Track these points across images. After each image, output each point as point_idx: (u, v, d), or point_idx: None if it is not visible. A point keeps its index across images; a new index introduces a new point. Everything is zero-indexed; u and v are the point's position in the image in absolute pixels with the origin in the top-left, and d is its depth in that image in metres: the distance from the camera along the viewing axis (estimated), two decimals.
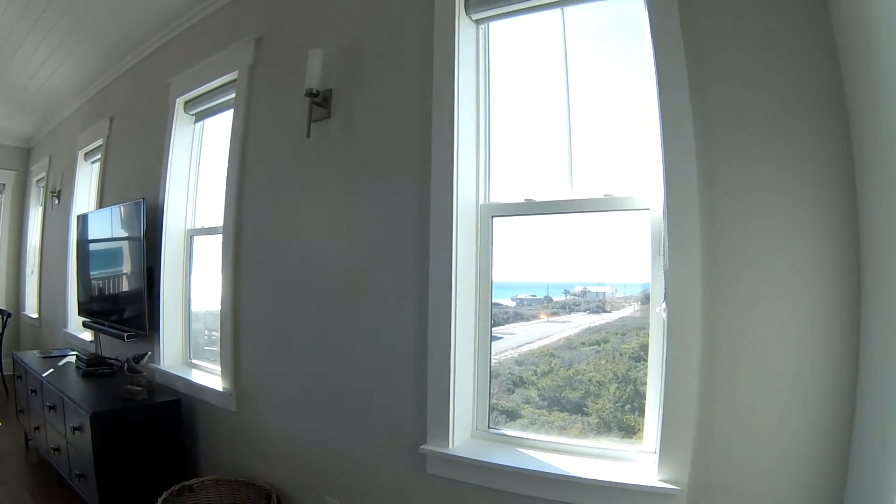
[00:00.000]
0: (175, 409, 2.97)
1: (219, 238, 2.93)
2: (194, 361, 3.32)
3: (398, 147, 2.10)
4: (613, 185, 1.80)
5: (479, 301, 2.01)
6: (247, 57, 2.88)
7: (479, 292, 2.01)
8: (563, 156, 1.92)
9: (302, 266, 2.45)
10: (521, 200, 1.96)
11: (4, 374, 5.78)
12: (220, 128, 3.29)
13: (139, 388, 2.89)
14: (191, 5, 3.36)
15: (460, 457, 1.84)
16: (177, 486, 2.48)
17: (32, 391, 3.59)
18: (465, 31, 1.99)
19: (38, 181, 6.47)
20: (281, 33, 2.73)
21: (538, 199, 1.94)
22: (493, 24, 2.08)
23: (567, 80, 1.94)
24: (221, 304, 2.80)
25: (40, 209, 6.20)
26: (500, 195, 2.04)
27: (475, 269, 2.00)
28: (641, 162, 1.74)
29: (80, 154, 4.90)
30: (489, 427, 2.00)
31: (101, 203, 4.18)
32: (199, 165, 3.47)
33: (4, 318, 5.73)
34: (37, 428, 3.59)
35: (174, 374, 3.14)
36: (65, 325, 4.80)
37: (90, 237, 4.04)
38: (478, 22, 2.05)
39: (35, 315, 5.96)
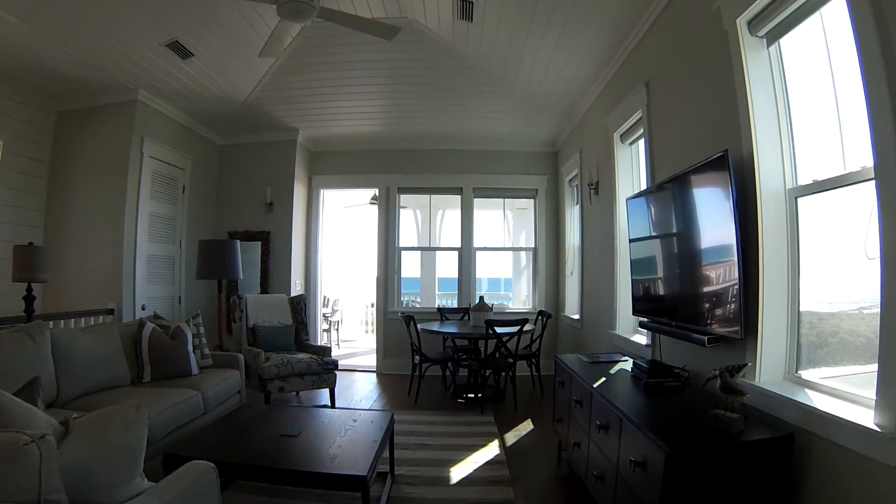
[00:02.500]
0: (783, 449, 2.24)
1: (843, 193, 2.11)
2: (803, 376, 2.52)
3: None
4: None
5: None
6: None
7: None
8: None
9: None
10: None
11: (542, 374, 6.27)
12: (809, 37, 2.47)
13: (734, 417, 2.26)
14: None
15: None
16: None
17: (577, 402, 3.44)
18: None
19: (570, 181, 6.98)
20: None
21: None
22: None
23: None
24: (884, 294, 1.90)
25: (576, 208, 6.63)
26: None
27: None
28: None
29: (616, 137, 4.85)
30: None
31: (654, 181, 3.88)
32: (789, 99, 2.69)
33: (544, 319, 6.23)
34: (577, 444, 3.46)
35: (779, 396, 2.41)
36: (611, 326, 4.78)
37: (646, 222, 3.75)
38: None
39: (576, 316, 6.34)
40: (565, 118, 6.59)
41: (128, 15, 4.43)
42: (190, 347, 4.60)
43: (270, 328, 5.92)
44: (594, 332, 5.53)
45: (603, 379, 3.33)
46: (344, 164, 7.98)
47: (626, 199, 4.13)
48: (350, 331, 11.91)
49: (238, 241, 5.83)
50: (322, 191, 8.08)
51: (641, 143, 4.55)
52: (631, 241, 4.03)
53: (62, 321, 4.96)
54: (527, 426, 5.05)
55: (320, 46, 5.35)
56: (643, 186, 4.39)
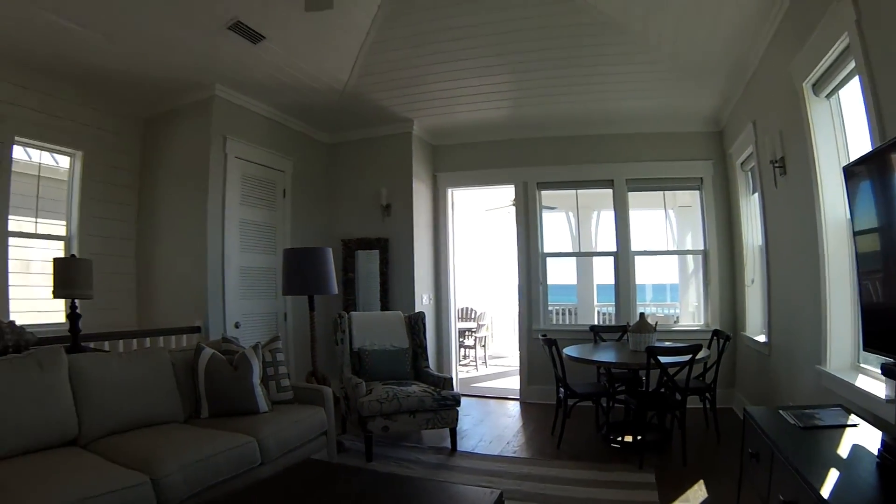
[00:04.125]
0: None
1: None
2: None
3: None
4: None
5: None
6: None
7: None
8: None
9: None
10: None
11: (717, 407, 4.83)
12: None
13: None
14: None
15: None
16: None
17: None
18: None
19: (741, 164, 5.42)
20: None
21: None
22: None
23: None
24: None
25: (753, 197, 5.08)
26: None
27: None
28: None
29: (806, 89, 3.37)
30: None
31: (883, 135, 2.41)
32: None
33: (721, 341, 4.78)
34: None
35: None
36: (817, 358, 3.28)
37: None
38: None
39: (761, 338, 4.79)
40: (730, 81, 5.01)
41: None
42: (255, 379, 3.81)
43: (380, 352, 5.05)
44: (790, 365, 3.97)
45: (835, 475, 1.92)
46: (471, 157, 6.91)
47: (845, 170, 2.58)
48: (501, 346, 10.88)
49: (328, 248, 4.92)
50: (450, 190, 7.08)
51: (848, 88, 3.07)
52: (857, 233, 2.49)
53: (121, 341, 4.51)
54: (698, 493, 3.65)
55: (414, 12, 4.37)
56: (853, 152, 2.90)
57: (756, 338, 4.96)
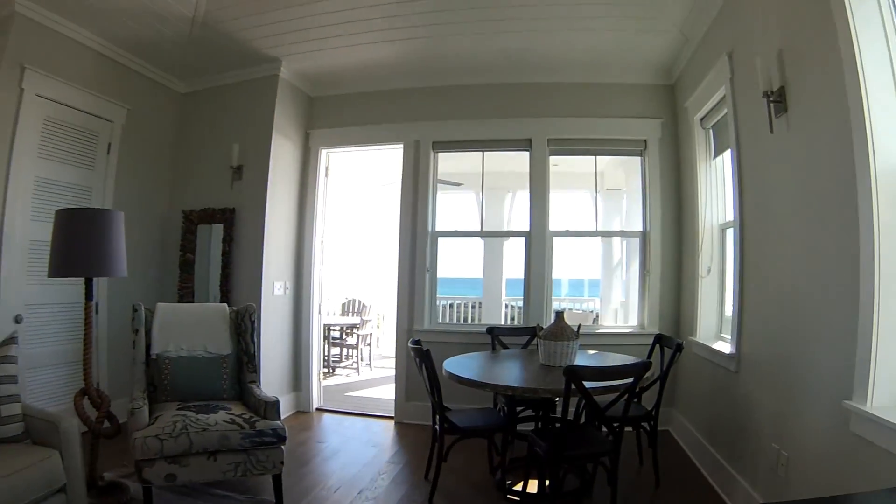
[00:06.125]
0: None
1: None
2: None
3: None
4: None
5: None
6: None
7: None
8: None
9: None
10: None
11: (658, 429, 3.64)
12: None
13: None
14: None
15: None
16: None
17: None
18: None
19: (702, 119, 4.27)
20: None
21: None
22: None
23: None
24: None
25: (717, 161, 3.97)
26: None
27: None
28: None
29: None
30: None
31: None
32: None
33: (672, 352, 3.60)
34: None
35: None
36: (848, 391, 2.11)
37: None
38: None
39: (723, 348, 3.67)
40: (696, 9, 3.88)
41: None
42: None
43: (187, 360, 3.55)
44: (782, 392, 2.78)
45: None
46: (354, 112, 5.44)
47: None
48: (391, 346, 9.48)
49: (121, 213, 3.34)
50: (324, 151, 5.59)
51: None
52: None
53: None
54: None
55: None
56: None
57: (713, 346, 3.84)
